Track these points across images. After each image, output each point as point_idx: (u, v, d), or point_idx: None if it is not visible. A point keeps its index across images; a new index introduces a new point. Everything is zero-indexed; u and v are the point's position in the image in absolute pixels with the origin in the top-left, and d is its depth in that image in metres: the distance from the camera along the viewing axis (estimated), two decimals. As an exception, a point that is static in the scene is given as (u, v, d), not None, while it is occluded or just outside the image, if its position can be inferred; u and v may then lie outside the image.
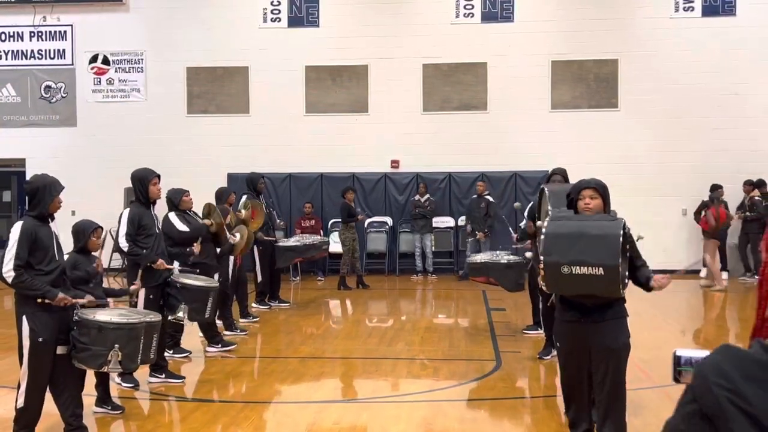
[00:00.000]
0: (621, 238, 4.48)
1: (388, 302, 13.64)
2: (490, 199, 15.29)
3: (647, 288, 4.81)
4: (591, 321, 4.69)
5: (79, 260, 5.87)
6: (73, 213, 16.77)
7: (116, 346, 5.38)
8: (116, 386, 7.05)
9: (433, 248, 15.88)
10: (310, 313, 12.07)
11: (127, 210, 7.37)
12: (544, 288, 4.86)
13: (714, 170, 15.58)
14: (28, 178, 5.61)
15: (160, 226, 7.57)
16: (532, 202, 8.55)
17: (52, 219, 5.57)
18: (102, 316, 5.47)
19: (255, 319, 10.78)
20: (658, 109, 16.01)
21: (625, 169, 15.69)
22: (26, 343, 5.30)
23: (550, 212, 6.75)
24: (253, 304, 11.62)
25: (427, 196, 15.67)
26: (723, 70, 15.79)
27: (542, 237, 4.65)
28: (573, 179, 8.61)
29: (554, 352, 8.38)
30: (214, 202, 9.90)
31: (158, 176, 7.48)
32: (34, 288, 5.22)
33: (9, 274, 5.21)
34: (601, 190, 4.87)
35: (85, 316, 5.41)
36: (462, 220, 15.94)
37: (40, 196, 5.46)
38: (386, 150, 16.63)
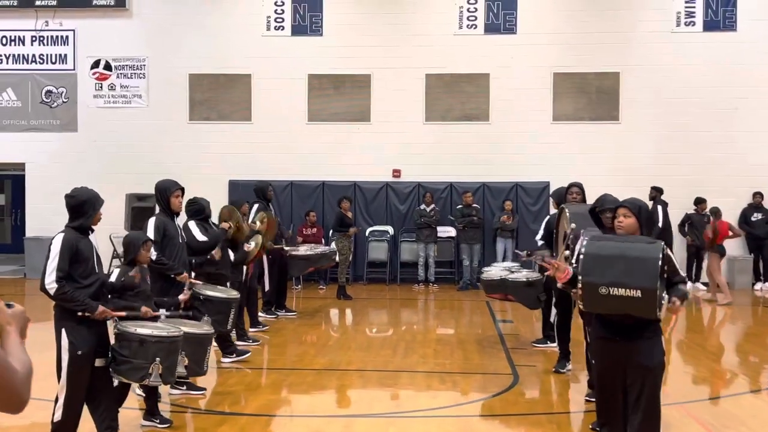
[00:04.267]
0: (660, 262, 4.54)
1: (393, 312, 13.67)
2: (478, 207, 15.82)
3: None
4: (626, 339, 4.73)
5: (129, 272, 5.87)
6: (73, 218, 16.82)
7: (157, 359, 5.39)
8: (137, 398, 7.02)
9: (435, 258, 15.96)
10: (318, 322, 12.09)
11: (153, 218, 7.34)
12: (580, 306, 4.89)
13: (714, 184, 15.77)
14: (70, 191, 5.59)
15: (183, 236, 7.57)
16: (549, 217, 8.61)
17: (92, 231, 5.57)
18: (143, 329, 5.47)
19: (264, 328, 10.78)
20: (658, 123, 16.18)
21: (626, 182, 15.76)
22: (65, 356, 5.28)
23: (572, 236, 6.81)
24: (260, 314, 11.61)
25: (433, 205, 15.75)
26: (723, 84, 15.98)
27: (581, 257, 4.70)
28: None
29: (569, 366, 8.47)
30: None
31: (182, 189, 7.46)
32: (75, 300, 5.22)
33: (51, 286, 5.21)
34: (635, 209, 4.90)
35: (126, 329, 5.42)
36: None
37: (85, 209, 5.44)
38: (388, 159, 16.69)
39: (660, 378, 4.81)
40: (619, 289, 4.50)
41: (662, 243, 4.82)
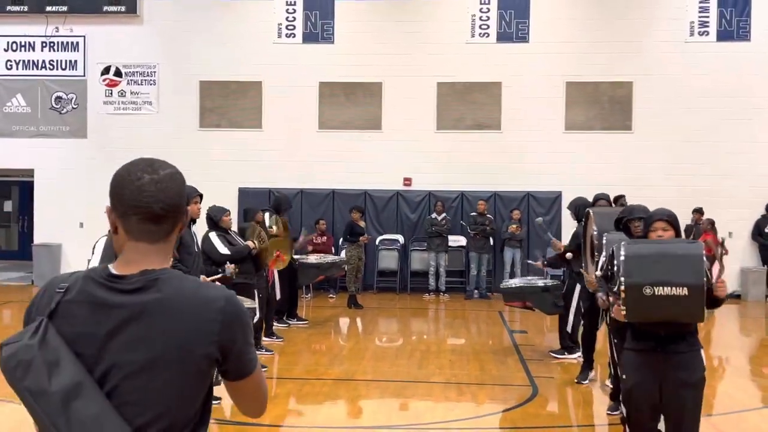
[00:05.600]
0: (704, 258, 4.40)
1: (405, 322, 13.54)
2: (491, 217, 15.75)
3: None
4: (666, 351, 4.54)
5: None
6: (82, 225, 16.73)
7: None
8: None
9: (446, 267, 15.85)
10: (329, 332, 11.99)
11: (169, 225, 7.23)
12: (623, 317, 4.68)
13: (727, 195, 15.63)
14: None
15: (199, 245, 7.46)
16: (575, 229, 8.49)
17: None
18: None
19: (279, 339, 10.65)
20: (671, 133, 16.04)
21: (638, 192, 15.51)
22: None
23: (595, 233, 6.71)
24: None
25: (444, 214, 15.64)
26: (737, 95, 15.85)
27: (621, 259, 4.53)
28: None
29: (591, 376, 8.35)
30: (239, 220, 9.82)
31: (201, 195, 7.35)
32: None
33: None
34: (673, 221, 4.78)
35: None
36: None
37: None
38: (399, 168, 16.58)
39: (701, 394, 4.59)
40: (665, 288, 4.32)
41: (701, 243, 4.70)
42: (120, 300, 1.89)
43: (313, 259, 12.30)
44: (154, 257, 1.97)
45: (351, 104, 16.75)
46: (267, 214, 11.15)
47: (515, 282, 10.05)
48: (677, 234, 4.78)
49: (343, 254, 14.34)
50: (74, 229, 16.74)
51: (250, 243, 8.58)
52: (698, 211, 15.24)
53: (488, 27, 16.46)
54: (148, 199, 1.94)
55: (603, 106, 16.34)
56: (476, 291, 15.62)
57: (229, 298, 1.97)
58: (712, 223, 14.43)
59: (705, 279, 4.35)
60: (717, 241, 13.91)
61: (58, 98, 17.13)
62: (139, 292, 1.90)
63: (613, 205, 8.28)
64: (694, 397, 4.57)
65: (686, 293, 4.31)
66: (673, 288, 4.32)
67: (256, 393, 2.08)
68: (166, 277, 1.93)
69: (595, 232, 6.73)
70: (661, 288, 4.34)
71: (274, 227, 10.40)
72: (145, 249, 1.97)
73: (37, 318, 1.90)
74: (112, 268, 1.95)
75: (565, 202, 13.90)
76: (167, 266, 1.98)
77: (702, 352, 4.65)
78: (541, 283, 9.64)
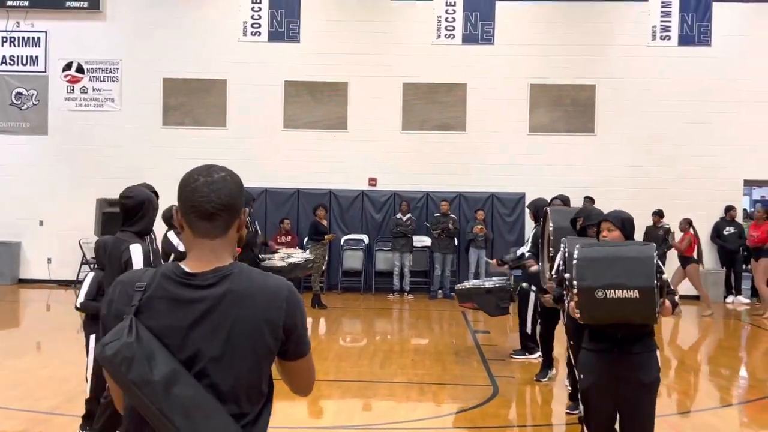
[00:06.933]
0: (655, 260, 4.47)
1: (368, 322, 13.55)
2: (455, 217, 15.81)
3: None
4: (622, 352, 4.61)
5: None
6: (41, 223, 16.50)
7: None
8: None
9: (410, 267, 15.88)
10: (292, 332, 11.92)
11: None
12: (577, 317, 4.75)
13: (687, 197, 15.87)
14: (124, 191, 5.17)
15: (158, 244, 7.40)
16: (535, 229, 8.55)
17: (148, 234, 5.43)
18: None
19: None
20: (633, 136, 16.26)
21: (600, 194, 15.80)
22: (92, 364, 5.43)
23: (551, 228, 6.79)
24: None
25: (409, 215, 15.68)
26: (698, 99, 16.11)
27: (574, 263, 4.60)
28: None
29: (550, 374, 8.43)
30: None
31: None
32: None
33: None
34: (618, 223, 4.86)
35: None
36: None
37: (144, 210, 5.14)
38: (364, 167, 16.59)
39: (655, 394, 4.68)
40: (617, 291, 4.38)
41: (654, 245, 4.77)
42: (198, 295, 2.14)
43: (277, 259, 12.17)
44: (219, 253, 2.21)
45: (316, 103, 16.72)
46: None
47: (467, 283, 10.11)
48: (626, 235, 4.87)
49: (308, 253, 14.24)
50: (34, 226, 16.52)
51: None
52: (657, 214, 15.45)
53: (454, 29, 16.53)
54: (201, 199, 2.17)
55: (566, 108, 16.50)
56: (440, 291, 15.71)
57: (290, 288, 2.24)
58: (689, 222, 14.45)
59: (656, 282, 4.43)
60: (696, 241, 14.07)
61: (19, 94, 16.85)
62: (214, 286, 2.15)
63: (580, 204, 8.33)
64: (648, 398, 4.64)
65: (637, 296, 4.38)
66: (625, 291, 4.39)
67: (308, 372, 2.37)
68: (237, 271, 2.19)
69: (551, 228, 6.81)
70: (612, 291, 4.40)
71: None
72: (210, 245, 2.20)
73: (124, 316, 2.12)
74: (185, 267, 2.18)
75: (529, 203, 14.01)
76: (232, 261, 2.22)
77: (657, 353, 4.73)
78: (487, 284, 9.69)
